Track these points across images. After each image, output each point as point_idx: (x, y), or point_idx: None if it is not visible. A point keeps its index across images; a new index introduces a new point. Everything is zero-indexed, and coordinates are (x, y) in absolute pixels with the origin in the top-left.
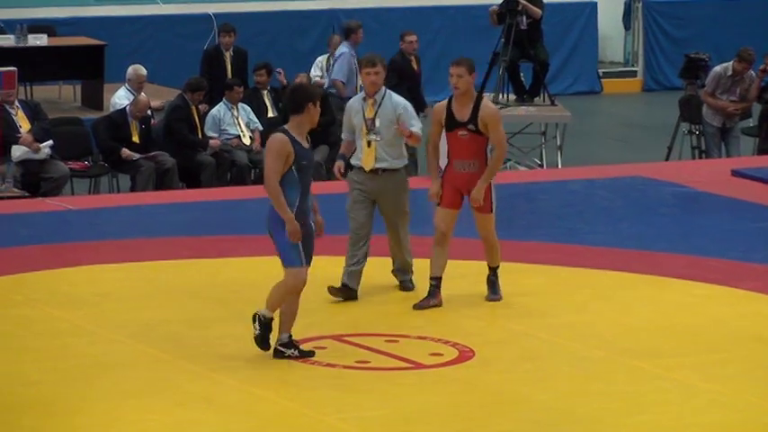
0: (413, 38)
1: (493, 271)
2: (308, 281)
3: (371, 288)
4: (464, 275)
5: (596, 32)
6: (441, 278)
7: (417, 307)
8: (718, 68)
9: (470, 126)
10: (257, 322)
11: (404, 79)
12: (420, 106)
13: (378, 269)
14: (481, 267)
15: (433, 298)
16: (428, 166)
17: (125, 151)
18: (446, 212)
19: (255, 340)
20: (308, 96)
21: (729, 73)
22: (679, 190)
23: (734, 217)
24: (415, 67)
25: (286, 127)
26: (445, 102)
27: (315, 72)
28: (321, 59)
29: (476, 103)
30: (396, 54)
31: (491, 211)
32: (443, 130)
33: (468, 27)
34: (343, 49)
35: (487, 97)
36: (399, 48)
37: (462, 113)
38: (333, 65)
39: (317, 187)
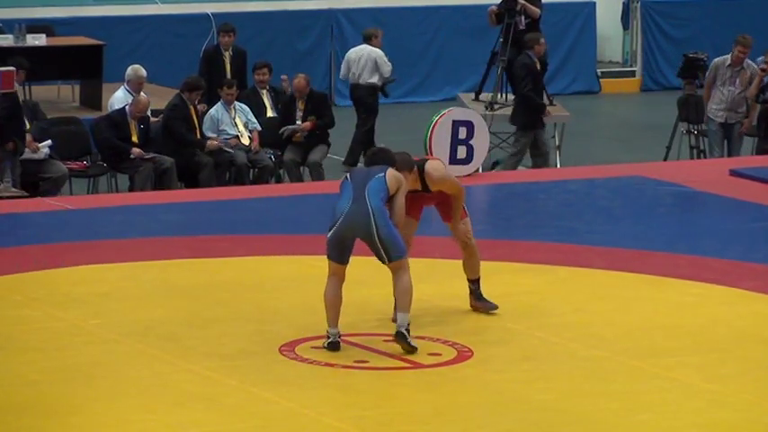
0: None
1: (476, 284)
2: (307, 281)
3: (370, 288)
4: (463, 276)
5: (595, 32)
6: None
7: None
8: (716, 60)
9: (425, 192)
10: (408, 335)
11: (536, 83)
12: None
13: (376, 269)
14: (481, 267)
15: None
16: None
17: (135, 150)
18: (409, 221)
19: (412, 351)
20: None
21: (728, 63)
22: (678, 190)
23: (732, 217)
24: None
25: None
26: None
27: (387, 69)
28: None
29: (420, 174)
30: (524, 56)
31: (467, 215)
32: None
33: (466, 27)
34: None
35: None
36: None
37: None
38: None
39: (316, 187)
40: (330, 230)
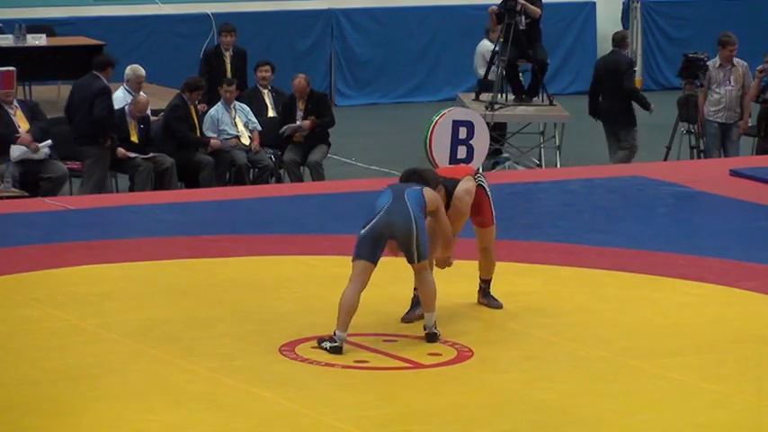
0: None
1: (487, 283)
2: (307, 281)
3: (371, 288)
4: (463, 275)
5: (595, 32)
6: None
7: (405, 320)
8: (707, 64)
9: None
10: (436, 331)
11: (618, 80)
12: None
13: (377, 269)
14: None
15: (418, 307)
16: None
17: (120, 150)
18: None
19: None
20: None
21: (718, 64)
22: (677, 190)
23: (732, 217)
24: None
25: None
26: None
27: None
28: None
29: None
30: (619, 54)
31: (493, 222)
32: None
33: (466, 27)
34: None
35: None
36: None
37: None
38: None
39: (316, 187)
40: (365, 227)
